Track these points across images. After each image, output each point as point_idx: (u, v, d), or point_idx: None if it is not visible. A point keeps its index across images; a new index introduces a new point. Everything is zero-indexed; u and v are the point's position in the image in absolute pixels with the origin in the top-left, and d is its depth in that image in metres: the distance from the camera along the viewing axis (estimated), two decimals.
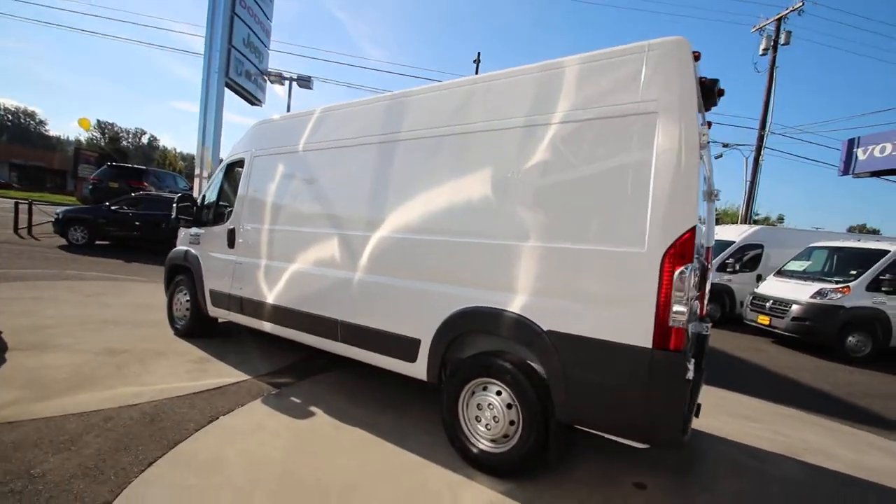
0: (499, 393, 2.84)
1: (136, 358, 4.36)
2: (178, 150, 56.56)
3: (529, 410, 2.69)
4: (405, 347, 3.24)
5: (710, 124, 3.06)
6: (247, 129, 4.92)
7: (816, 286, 8.32)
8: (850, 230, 32.92)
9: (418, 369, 3.20)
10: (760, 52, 21.63)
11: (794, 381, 6.20)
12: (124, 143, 46.98)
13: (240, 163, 4.88)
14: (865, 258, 8.36)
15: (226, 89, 15.29)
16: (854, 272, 8.27)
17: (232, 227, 4.67)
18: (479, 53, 21.95)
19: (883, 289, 7.85)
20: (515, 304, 2.73)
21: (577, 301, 2.53)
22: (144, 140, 52.22)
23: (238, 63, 15.62)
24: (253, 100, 18.18)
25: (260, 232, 4.38)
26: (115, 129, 47.44)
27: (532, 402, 2.68)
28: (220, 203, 5.09)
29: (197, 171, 15.00)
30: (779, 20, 21.21)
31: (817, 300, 8.09)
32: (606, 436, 2.56)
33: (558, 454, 2.79)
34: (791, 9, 20.74)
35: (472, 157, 3.02)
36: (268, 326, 4.31)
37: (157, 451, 2.75)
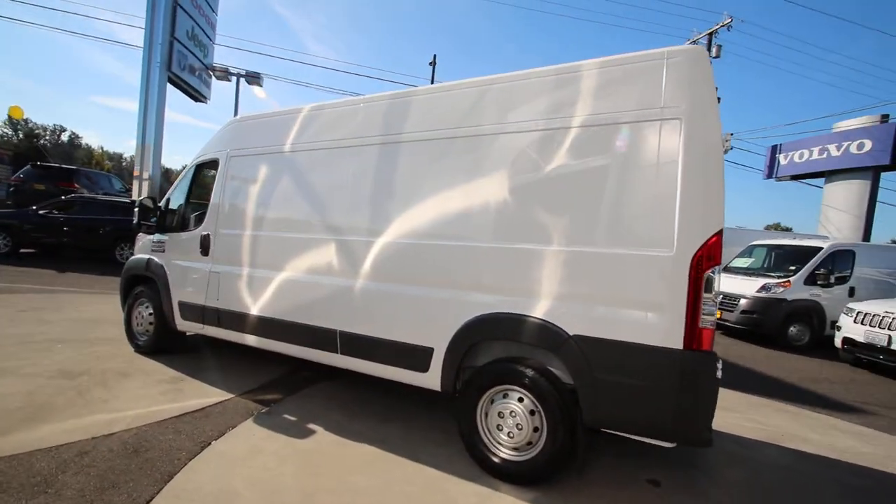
0: (521, 400, 2.79)
1: (97, 380, 3.90)
2: (104, 149, 51.96)
3: (554, 416, 2.66)
4: (416, 357, 3.12)
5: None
6: (219, 128, 4.55)
7: (761, 281, 9.03)
8: (767, 228, 36.01)
9: (430, 379, 3.09)
10: None
11: (753, 371, 6.67)
12: (42, 140, 42.44)
13: (212, 164, 4.51)
14: (802, 254, 9.18)
15: (168, 85, 14.26)
16: (792, 268, 9.06)
17: (206, 233, 4.30)
18: (434, 56, 21.92)
19: (818, 282, 8.65)
20: (538, 310, 2.69)
21: (603, 304, 2.53)
22: (65, 137, 47.44)
23: (181, 57, 14.63)
24: (197, 96, 17.11)
25: (241, 238, 4.06)
26: (30, 125, 42.71)
27: (556, 408, 2.65)
28: (189, 207, 4.68)
29: (136, 172, 13.88)
30: (710, 34, 22.81)
31: (762, 294, 8.77)
32: (632, 437, 2.58)
33: (584, 459, 2.78)
34: (721, 24, 22.44)
35: (487, 160, 2.96)
36: (251, 340, 4.00)
37: (150, 486, 2.45)
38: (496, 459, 2.83)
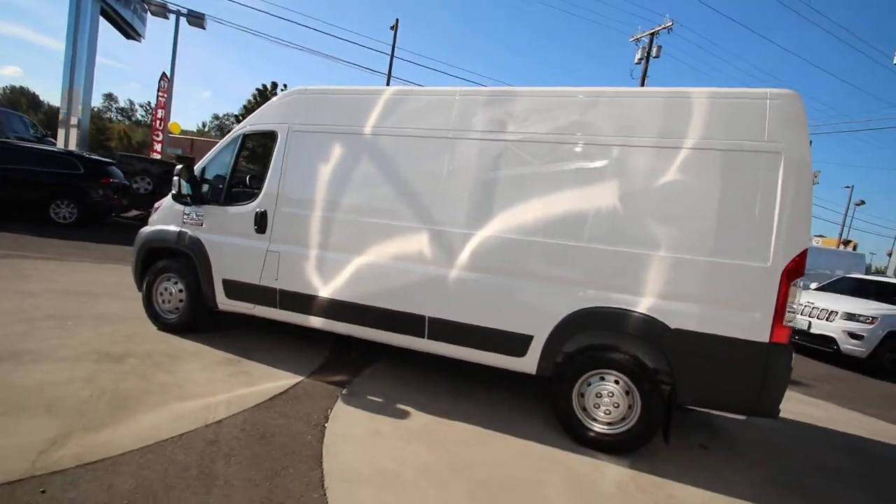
0: (616, 382, 3.21)
1: (150, 363, 3.67)
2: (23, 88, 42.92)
3: (647, 396, 3.12)
4: (514, 343, 3.39)
5: None
6: (278, 97, 4.27)
7: None
8: None
9: (526, 363, 3.39)
10: (636, 61, 24.94)
11: None
12: None
13: (266, 135, 4.26)
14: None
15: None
16: None
17: (262, 209, 4.10)
18: (396, 20, 21.08)
19: None
20: (643, 306, 3.09)
21: (702, 304, 2.99)
22: None
23: None
24: (130, 32, 15.08)
25: (309, 219, 3.95)
26: None
27: (650, 390, 3.11)
28: (232, 180, 4.39)
29: (62, 116, 12.04)
30: (652, 34, 24.41)
31: None
32: (714, 412, 3.13)
33: (670, 430, 3.28)
34: (662, 26, 24.07)
35: (600, 168, 3.23)
36: (317, 322, 3.98)
37: (310, 470, 2.51)
38: (591, 433, 3.25)
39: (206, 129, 78.10)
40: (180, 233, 4.41)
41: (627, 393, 3.19)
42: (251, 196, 4.26)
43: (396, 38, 20.91)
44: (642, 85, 24.15)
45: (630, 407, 3.19)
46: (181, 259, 4.52)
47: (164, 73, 17.15)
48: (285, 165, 4.07)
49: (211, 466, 2.43)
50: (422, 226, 3.62)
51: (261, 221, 4.09)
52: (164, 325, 4.52)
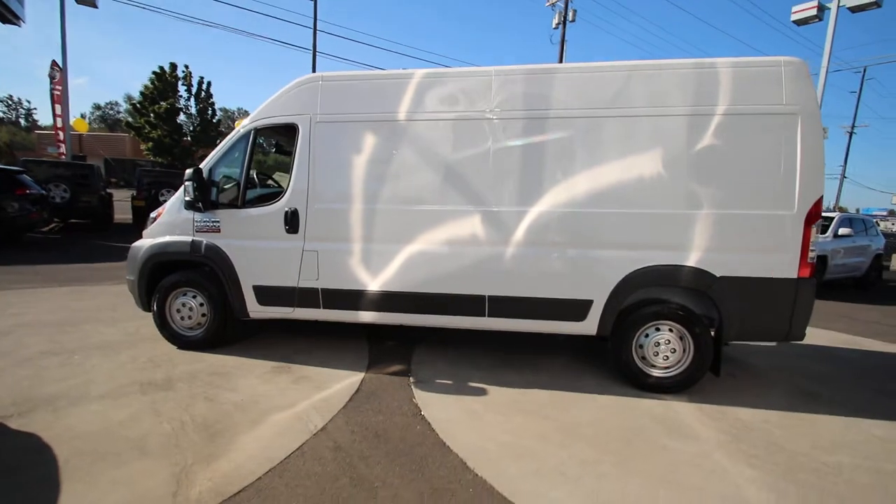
0: (671, 330, 3.58)
1: (204, 385, 3.44)
2: None
3: (697, 339, 3.53)
4: (574, 309, 3.62)
5: None
6: (290, 86, 3.97)
7: None
8: None
9: (586, 326, 3.65)
10: (553, 26, 25.73)
11: None
12: None
13: (284, 129, 3.99)
14: None
15: None
16: None
17: (292, 207, 3.88)
18: None
19: None
20: (692, 260, 3.44)
21: (742, 252, 3.40)
22: None
23: None
24: (6, 14, 12.66)
25: (348, 213, 3.82)
26: None
27: (699, 333, 3.51)
28: (248, 179, 4.07)
29: None
30: None
31: None
32: (751, 343, 3.61)
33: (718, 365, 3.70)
34: None
35: (639, 139, 3.46)
36: (368, 317, 3.93)
37: (444, 455, 2.59)
38: (651, 379, 3.62)
39: (88, 122, 68.55)
40: (194, 242, 4.05)
41: (681, 338, 3.58)
42: (275, 195, 4.01)
43: (317, 10, 19.65)
44: (562, 49, 25.04)
45: (684, 351, 3.58)
46: (198, 270, 4.17)
47: (53, 62, 14.76)
48: (313, 159, 3.86)
49: (356, 471, 2.41)
50: (473, 208, 3.67)
51: (292, 221, 3.88)
52: (186, 343, 4.19)
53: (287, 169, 4.04)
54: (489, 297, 3.71)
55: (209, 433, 2.74)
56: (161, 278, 4.19)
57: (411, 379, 3.75)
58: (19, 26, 12.99)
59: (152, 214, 4.35)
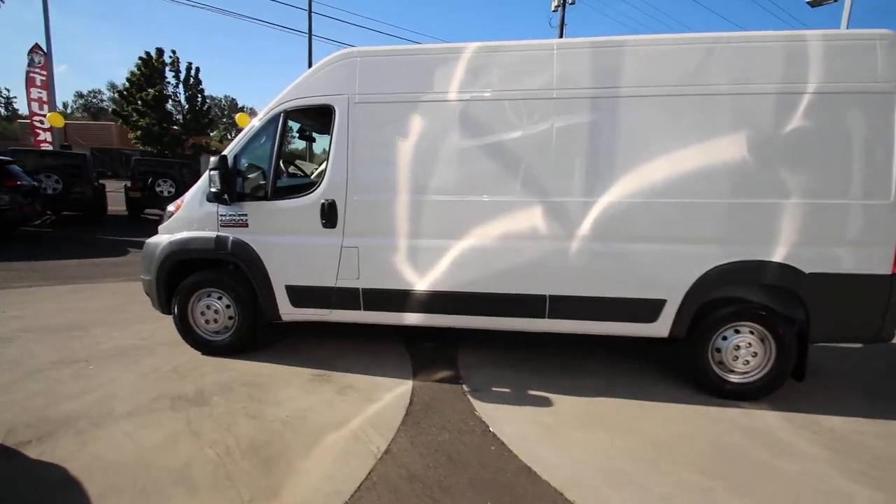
0: (751, 332, 3.28)
1: (242, 398, 3.09)
2: None
3: (780, 341, 3.23)
4: (645, 310, 3.31)
5: None
6: (323, 63, 3.55)
7: None
8: None
9: (657, 328, 3.34)
10: (553, 9, 25.15)
11: None
12: None
13: (317, 112, 3.59)
14: None
15: None
16: None
17: (329, 199, 3.49)
18: None
19: None
20: (777, 255, 3.13)
21: (832, 246, 3.10)
22: None
23: None
24: None
25: (392, 204, 3.45)
26: None
27: (783, 334, 3.22)
28: (278, 168, 3.68)
29: None
30: None
31: None
32: (840, 344, 3.33)
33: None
34: None
35: (720, 120, 3.12)
36: (414, 319, 3.58)
37: (533, 484, 2.27)
38: (729, 385, 3.32)
39: (70, 112, 66.33)
40: (219, 238, 3.65)
41: (763, 341, 3.28)
42: (309, 185, 3.62)
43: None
44: (561, 33, 24.52)
45: (766, 354, 3.29)
46: (225, 269, 3.79)
47: (35, 46, 13.96)
48: (352, 144, 3.47)
49: (456, 492, 2.09)
50: (533, 199, 3.32)
51: (329, 214, 3.50)
52: (212, 349, 3.82)
53: (310, 157, 3.65)
54: (550, 296, 3.38)
55: (261, 459, 2.40)
56: (181, 278, 3.79)
57: (465, 387, 3.42)
58: None
59: (169, 208, 3.94)
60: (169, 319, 3.90)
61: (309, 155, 8.62)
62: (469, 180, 3.39)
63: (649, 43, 3.24)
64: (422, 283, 3.49)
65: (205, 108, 29.83)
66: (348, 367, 3.69)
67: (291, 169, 4.71)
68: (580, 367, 3.84)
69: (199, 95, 29.11)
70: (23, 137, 30.45)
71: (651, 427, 2.91)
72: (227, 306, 3.77)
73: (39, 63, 13.94)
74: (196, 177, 14.25)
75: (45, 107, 14.16)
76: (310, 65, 19.55)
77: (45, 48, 13.87)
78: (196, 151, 28.46)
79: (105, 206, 12.32)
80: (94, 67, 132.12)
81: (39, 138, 14.47)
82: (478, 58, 3.35)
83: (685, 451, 2.63)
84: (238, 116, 18.27)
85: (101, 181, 12.43)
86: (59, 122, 15.06)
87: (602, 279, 3.33)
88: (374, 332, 4.21)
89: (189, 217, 3.77)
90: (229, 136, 34.17)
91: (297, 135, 5.10)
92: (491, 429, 2.82)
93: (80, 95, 72.31)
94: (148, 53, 26.90)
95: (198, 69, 28.57)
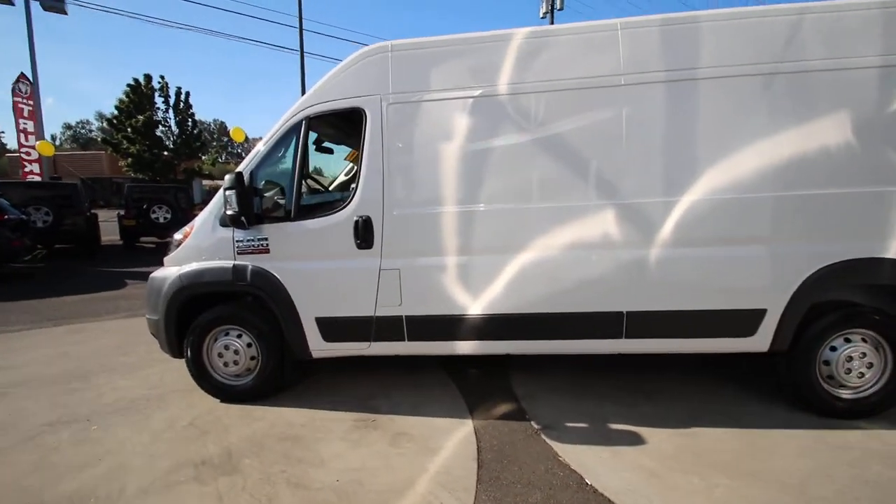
0: (864, 340, 2.82)
1: (279, 459, 2.59)
2: None
3: None
4: (741, 322, 2.85)
5: None
6: (350, 60, 3.10)
7: None
8: None
9: (756, 342, 2.87)
10: (541, 16, 25.08)
11: None
12: None
13: (346, 116, 3.14)
14: None
15: None
16: None
17: (363, 215, 3.03)
18: None
19: None
20: (892, 251, 2.69)
21: None
22: None
23: None
24: None
25: (438, 217, 2.98)
26: None
27: None
28: (300, 183, 3.21)
29: None
30: None
31: None
32: None
33: None
34: None
35: (818, 100, 2.69)
36: (468, 347, 3.10)
37: None
38: (840, 403, 2.86)
39: (59, 143, 65.70)
40: (237, 268, 3.17)
41: (877, 349, 2.82)
42: (338, 201, 3.16)
43: (302, 7, 18.55)
44: None
45: (883, 364, 2.83)
46: (244, 303, 3.31)
47: (21, 75, 13.49)
48: (388, 151, 3.01)
49: None
50: (604, 202, 2.87)
51: (364, 232, 3.03)
52: (232, 394, 3.31)
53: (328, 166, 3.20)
54: (628, 313, 2.92)
55: None
56: (194, 316, 3.29)
57: (534, 424, 2.93)
58: None
59: (176, 236, 3.45)
60: (179, 361, 3.39)
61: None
62: (527, 185, 2.94)
63: (728, 17, 2.82)
64: (476, 306, 3.01)
65: (195, 132, 29.40)
66: (393, 407, 3.20)
67: (310, 183, 4.25)
68: (653, 388, 3.37)
69: (190, 119, 28.70)
70: (13, 172, 29.88)
71: (772, 464, 2.43)
72: (249, 345, 3.27)
73: (26, 93, 13.47)
74: (191, 202, 13.90)
75: (31, 137, 13.65)
76: (303, 84, 19.18)
77: (30, 78, 13.42)
78: (189, 176, 28.03)
79: (98, 236, 11.76)
80: (82, 99, 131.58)
81: (26, 170, 13.93)
82: (530, 44, 2.92)
83: (832, 494, 2.15)
84: (233, 130, 17.73)
85: (93, 211, 11.90)
86: (49, 150, 14.56)
87: (689, 290, 2.87)
88: (410, 361, 3.72)
89: (200, 245, 3.28)
90: (220, 160, 33.71)
91: (314, 146, 4.64)
92: (587, 480, 2.32)
93: (68, 127, 71.73)
94: (136, 80, 26.51)
95: (188, 93, 28.16)
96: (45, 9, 13.30)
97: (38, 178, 13.52)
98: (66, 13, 13.76)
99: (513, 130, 2.93)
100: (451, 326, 3.06)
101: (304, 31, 18.48)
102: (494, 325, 3.03)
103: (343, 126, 3.71)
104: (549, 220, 2.91)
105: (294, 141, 3.16)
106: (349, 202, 3.08)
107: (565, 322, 2.98)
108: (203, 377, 3.32)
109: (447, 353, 3.18)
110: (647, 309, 2.90)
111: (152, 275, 3.47)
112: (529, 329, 3.03)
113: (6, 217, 7.77)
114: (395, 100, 3.01)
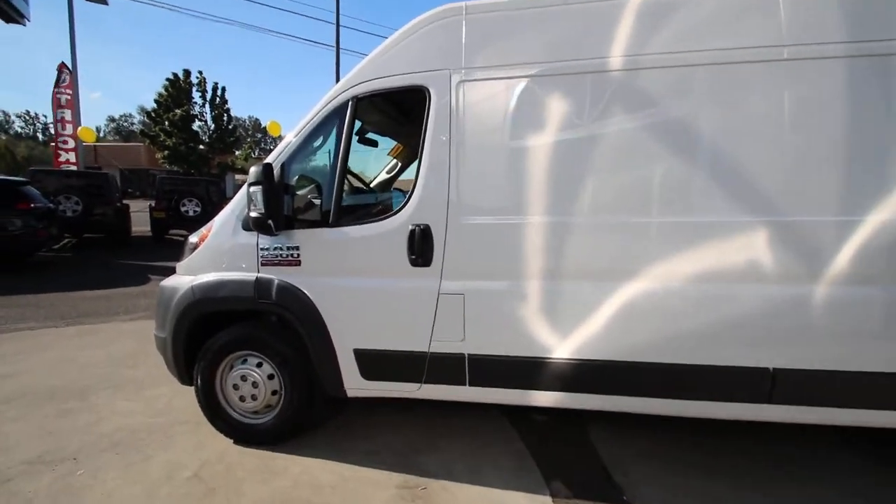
0: None
1: None
2: None
3: None
4: None
5: None
6: (412, 26, 2.44)
7: None
8: None
9: None
10: None
11: None
12: None
13: (403, 96, 2.49)
14: None
15: None
16: None
17: (420, 223, 2.36)
18: None
19: None
20: None
21: None
22: None
23: None
24: (9, 12, 11.51)
25: (520, 231, 2.29)
26: None
27: None
28: (344, 181, 2.57)
29: None
30: None
31: None
32: None
33: None
34: None
35: None
36: (549, 399, 2.39)
37: None
38: None
39: (103, 135, 68.40)
40: (260, 282, 2.55)
41: None
42: (387, 205, 2.51)
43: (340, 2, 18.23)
44: None
45: None
46: (265, 324, 2.69)
47: (62, 64, 13.54)
48: (457, 142, 2.33)
49: None
50: (751, 218, 2.11)
51: (421, 245, 2.35)
52: (249, 435, 2.70)
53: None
54: (776, 370, 2.14)
55: None
56: (206, 335, 2.69)
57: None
58: (24, 25, 11.82)
59: (191, 239, 2.86)
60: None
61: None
62: (643, 192, 2.20)
63: None
64: (564, 349, 2.29)
65: (230, 127, 29.70)
66: (446, 467, 2.51)
67: (352, 181, 3.62)
68: (775, 459, 2.56)
69: (225, 114, 29.02)
70: (55, 161, 30.90)
71: None
72: (270, 376, 2.64)
73: (65, 82, 13.50)
74: (222, 195, 13.64)
75: (69, 126, 13.66)
76: (337, 79, 18.91)
77: (70, 66, 13.44)
78: (222, 170, 28.34)
79: (128, 227, 11.57)
80: (127, 92, 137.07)
81: (61, 159, 13.96)
82: (650, 6, 2.19)
83: None
84: (269, 124, 17.49)
85: (124, 201, 11.74)
86: (90, 136, 14.61)
87: (870, 343, 2.07)
88: (451, 407, 3.01)
89: (218, 251, 2.68)
90: (254, 155, 34.06)
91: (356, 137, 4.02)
92: None
93: (111, 119, 74.66)
94: (175, 75, 26.96)
95: (224, 88, 28.51)
96: None
97: (73, 168, 13.50)
98: (106, 3, 13.75)
99: (627, 119, 2.20)
100: (527, 372, 2.35)
101: (339, 27, 18.17)
102: (587, 374, 2.30)
103: (392, 112, 3.06)
104: (673, 239, 2.17)
105: (336, 127, 2.52)
106: (403, 206, 2.40)
107: (684, 376, 2.22)
108: (215, 413, 2.71)
109: (519, 402, 2.47)
110: (803, 367, 2.12)
111: (162, 283, 2.90)
112: (633, 382, 2.29)
113: (32, 206, 7.50)
114: (470, 76, 2.32)
